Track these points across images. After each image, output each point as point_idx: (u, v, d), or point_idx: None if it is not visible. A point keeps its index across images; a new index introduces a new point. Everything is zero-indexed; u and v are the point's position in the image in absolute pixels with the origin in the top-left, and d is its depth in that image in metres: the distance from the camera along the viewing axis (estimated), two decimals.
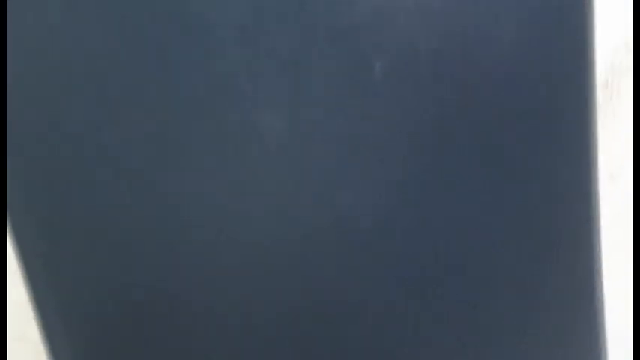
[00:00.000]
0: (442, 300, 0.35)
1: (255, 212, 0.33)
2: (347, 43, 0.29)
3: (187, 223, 0.33)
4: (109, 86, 0.31)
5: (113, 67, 0.30)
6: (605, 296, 0.43)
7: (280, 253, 0.33)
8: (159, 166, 0.32)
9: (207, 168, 0.32)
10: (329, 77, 0.30)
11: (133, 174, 0.32)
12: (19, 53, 0.31)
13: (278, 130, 0.30)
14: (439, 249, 0.35)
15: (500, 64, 0.32)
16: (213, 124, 0.31)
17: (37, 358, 0.43)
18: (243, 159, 0.31)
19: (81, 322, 0.35)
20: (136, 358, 0.35)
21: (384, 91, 0.30)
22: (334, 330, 0.35)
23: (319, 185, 0.32)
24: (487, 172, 0.34)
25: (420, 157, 0.33)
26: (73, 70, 0.31)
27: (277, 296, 0.34)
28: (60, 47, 0.31)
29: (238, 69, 0.29)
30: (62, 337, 0.35)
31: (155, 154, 0.31)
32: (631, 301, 0.45)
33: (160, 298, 0.35)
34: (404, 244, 0.35)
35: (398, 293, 0.35)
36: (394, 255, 0.35)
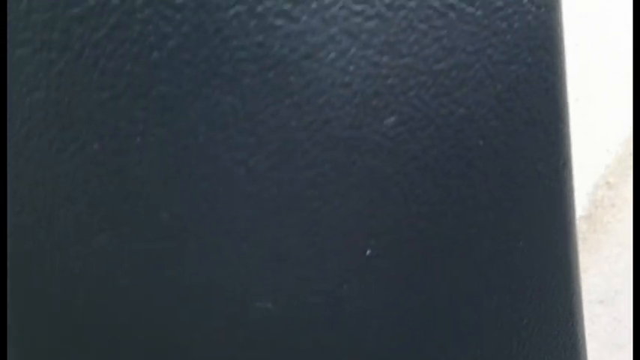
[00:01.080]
0: None
1: None
2: (337, 232, 0.30)
3: None
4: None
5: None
6: None
7: None
8: None
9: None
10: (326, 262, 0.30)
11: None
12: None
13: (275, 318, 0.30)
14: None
15: (487, 221, 0.37)
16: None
17: None
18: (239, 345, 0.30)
19: None
20: None
21: (378, 275, 0.31)
22: None
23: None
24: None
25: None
26: None
27: None
28: None
29: (238, 262, 0.29)
30: None
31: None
32: None
33: None
34: None
35: None
36: None
